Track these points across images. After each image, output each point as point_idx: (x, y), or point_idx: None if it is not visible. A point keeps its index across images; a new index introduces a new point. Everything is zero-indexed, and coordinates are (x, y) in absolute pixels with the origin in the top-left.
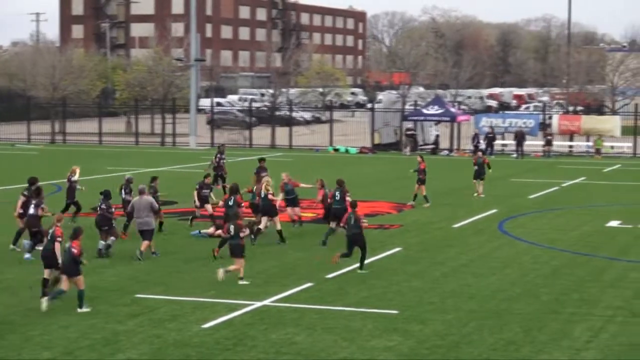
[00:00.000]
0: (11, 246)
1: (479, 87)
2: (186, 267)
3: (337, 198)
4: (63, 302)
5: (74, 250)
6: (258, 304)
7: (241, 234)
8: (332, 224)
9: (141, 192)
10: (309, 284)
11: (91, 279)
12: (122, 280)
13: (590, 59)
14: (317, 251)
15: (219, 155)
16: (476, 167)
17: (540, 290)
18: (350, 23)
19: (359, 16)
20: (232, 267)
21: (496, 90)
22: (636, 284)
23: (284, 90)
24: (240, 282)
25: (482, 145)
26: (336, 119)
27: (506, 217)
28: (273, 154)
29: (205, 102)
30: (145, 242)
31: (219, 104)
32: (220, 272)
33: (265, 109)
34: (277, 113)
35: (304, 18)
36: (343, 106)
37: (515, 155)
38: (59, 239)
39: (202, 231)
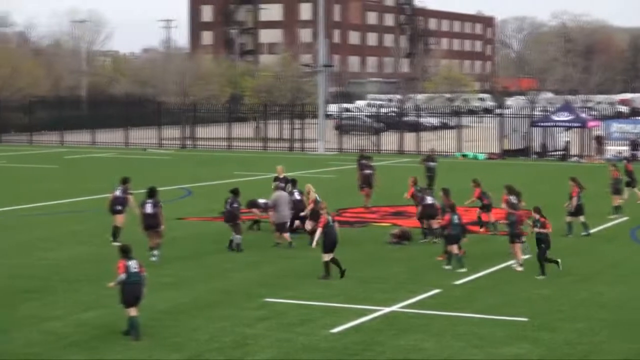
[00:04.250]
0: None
1: (610, 93)
2: (314, 272)
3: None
4: (190, 305)
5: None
6: (386, 310)
7: None
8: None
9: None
10: (437, 290)
11: (218, 284)
12: (250, 285)
13: None
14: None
15: (430, 163)
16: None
17: None
18: (478, 28)
19: (488, 21)
20: (460, 251)
21: (627, 96)
22: None
23: (411, 95)
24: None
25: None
26: (464, 124)
27: (638, 225)
28: (400, 160)
29: (333, 108)
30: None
31: (346, 110)
32: (523, 253)
33: (392, 114)
34: (405, 119)
35: (432, 23)
36: (470, 112)
37: None
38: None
39: None
